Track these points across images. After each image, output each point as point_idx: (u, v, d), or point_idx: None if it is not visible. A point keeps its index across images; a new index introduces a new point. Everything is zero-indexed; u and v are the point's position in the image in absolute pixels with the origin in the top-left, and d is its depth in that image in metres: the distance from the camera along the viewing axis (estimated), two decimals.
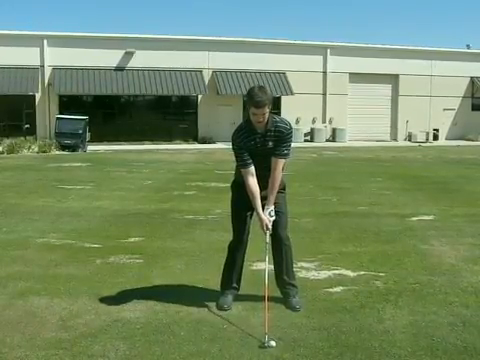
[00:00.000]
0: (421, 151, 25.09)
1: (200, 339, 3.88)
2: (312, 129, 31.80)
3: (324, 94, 32.37)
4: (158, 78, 29.30)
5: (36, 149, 23.16)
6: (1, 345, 3.77)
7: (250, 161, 4.33)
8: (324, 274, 5.41)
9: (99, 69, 28.65)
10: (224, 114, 29.57)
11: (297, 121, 30.73)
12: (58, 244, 6.67)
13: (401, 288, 4.97)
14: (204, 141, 29.15)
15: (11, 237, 7.05)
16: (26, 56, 27.25)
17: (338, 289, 4.95)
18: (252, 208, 4.40)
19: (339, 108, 32.16)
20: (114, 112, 30.62)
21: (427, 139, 32.93)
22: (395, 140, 33.64)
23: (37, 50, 28.06)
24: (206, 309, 4.43)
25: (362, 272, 5.45)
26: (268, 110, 4.23)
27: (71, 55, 27.82)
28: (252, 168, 4.33)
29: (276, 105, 28.86)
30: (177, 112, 31.30)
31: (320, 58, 32.12)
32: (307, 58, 31.39)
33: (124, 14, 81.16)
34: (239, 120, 5.10)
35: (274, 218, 4.37)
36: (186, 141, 29.23)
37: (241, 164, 4.36)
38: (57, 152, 23.33)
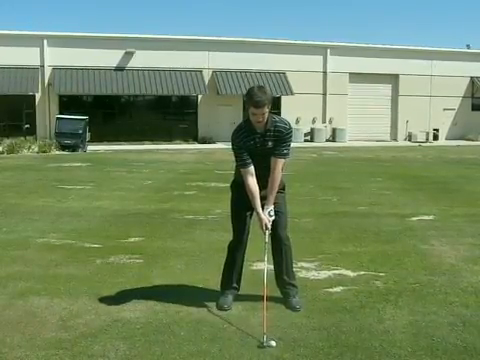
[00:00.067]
0: (421, 151, 25.09)
1: (200, 339, 3.88)
2: (312, 129, 31.81)
3: (324, 94, 32.38)
4: (158, 78, 29.30)
5: (36, 149, 23.17)
6: (1, 345, 3.77)
7: (250, 161, 4.33)
8: (324, 274, 5.41)
9: (99, 69, 28.66)
10: (224, 114, 29.58)
11: (297, 121, 30.74)
12: (58, 244, 6.67)
13: (401, 288, 4.97)
14: (204, 141, 29.16)
15: (11, 237, 7.05)
16: (26, 56, 27.26)
17: (338, 289, 4.95)
18: (252, 208, 4.40)
19: (339, 108, 32.16)
20: (114, 112, 30.62)
21: (427, 139, 32.93)
22: (395, 140, 33.64)
23: (37, 50, 28.07)
24: (206, 309, 4.43)
25: (362, 272, 5.45)
26: (267, 110, 4.23)
27: (71, 55, 27.82)
28: (252, 168, 4.33)
29: (276, 105, 28.85)
30: (177, 112, 31.31)
31: (320, 58, 32.13)
32: (307, 58, 31.40)
33: (124, 14, 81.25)
34: (239, 120, 5.12)
35: (274, 218, 4.37)
36: (186, 141, 29.24)
37: (241, 164, 4.36)
38: (57, 152, 23.34)
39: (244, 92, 4.14)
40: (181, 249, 6.38)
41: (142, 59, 28.93)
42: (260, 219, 4.33)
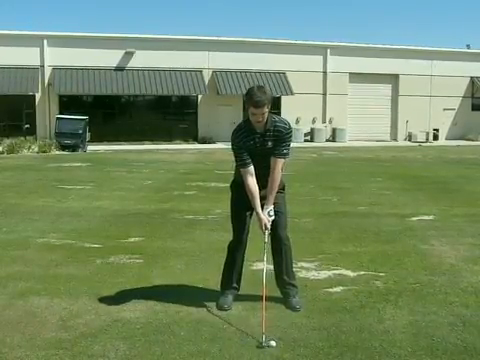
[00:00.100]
0: (421, 151, 25.10)
1: (200, 339, 3.88)
2: (312, 129, 31.81)
3: (324, 94, 32.37)
4: (158, 78, 29.30)
5: (36, 149, 23.17)
6: (1, 345, 3.77)
7: (249, 161, 4.33)
8: (324, 274, 5.41)
9: (99, 69, 28.66)
10: (224, 114, 29.57)
11: (297, 121, 30.75)
12: (58, 244, 6.67)
13: (401, 288, 4.97)
14: (204, 141, 29.16)
15: (11, 237, 7.05)
16: (26, 56, 27.26)
17: (338, 289, 4.95)
18: (252, 208, 4.40)
19: (339, 108, 32.16)
20: (114, 112, 30.62)
21: (427, 139, 32.93)
22: (395, 140, 33.64)
23: (37, 50, 28.07)
24: (206, 309, 4.43)
25: (362, 272, 5.45)
26: (267, 110, 4.23)
27: (71, 55, 27.82)
28: (251, 168, 4.33)
29: (276, 105, 28.86)
30: (177, 112, 31.30)
31: (320, 58, 32.13)
32: (307, 58, 31.40)
33: (124, 14, 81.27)
34: (239, 120, 5.13)
35: (273, 218, 4.37)
36: (186, 141, 29.24)
37: (240, 164, 4.36)
38: (57, 152, 23.34)
39: (244, 92, 4.12)
40: (181, 249, 6.38)
41: (142, 59, 28.93)
42: (259, 219, 4.33)
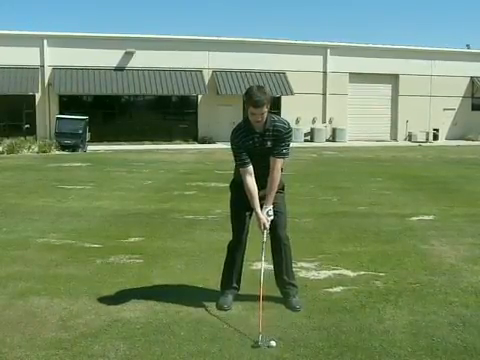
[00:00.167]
0: (421, 151, 25.09)
1: (200, 339, 3.88)
2: (312, 129, 31.80)
3: (324, 94, 32.36)
4: (158, 78, 29.30)
5: (36, 149, 23.16)
6: (1, 345, 3.77)
7: (248, 160, 4.33)
8: (324, 274, 5.41)
9: (99, 69, 28.65)
10: (224, 114, 29.56)
11: (297, 121, 30.75)
12: (58, 244, 6.67)
13: (401, 288, 4.97)
14: (204, 141, 29.16)
15: (11, 237, 7.05)
16: (26, 56, 27.25)
17: (338, 289, 4.95)
18: (251, 208, 4.40)
19: (339, 108, 32.16)
20: (114, 112, 30.61)
21: (427, 139, 32.93)
22: (395, 140, 33.64)
23: (37, 50, 28.06)
24: (206, 309, 4.43)
25: (362, 272, 5.45)
26: (267, 110, 4.23)
27: (71, 55, 27.82)
28: (250, 167, 4.33)
29: (276, 105, 28.88)
30: (177, 112, 31.30)
31: (320, 58, 32.12)
32: (307, 58, 31.39)
33: (124, 14, 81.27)
34: (239, 120, 5.12)
35: (272, 217, 4.37)
36: (186, 141, 29.24)
37: (239, 163, 4.37)
38: (57, 152, 23.33)
39: (244, 92, 4.12)
40: (181, 249, 6.38)
41: (142, 59, 28.92)
42: (259, 219, 4.34)
